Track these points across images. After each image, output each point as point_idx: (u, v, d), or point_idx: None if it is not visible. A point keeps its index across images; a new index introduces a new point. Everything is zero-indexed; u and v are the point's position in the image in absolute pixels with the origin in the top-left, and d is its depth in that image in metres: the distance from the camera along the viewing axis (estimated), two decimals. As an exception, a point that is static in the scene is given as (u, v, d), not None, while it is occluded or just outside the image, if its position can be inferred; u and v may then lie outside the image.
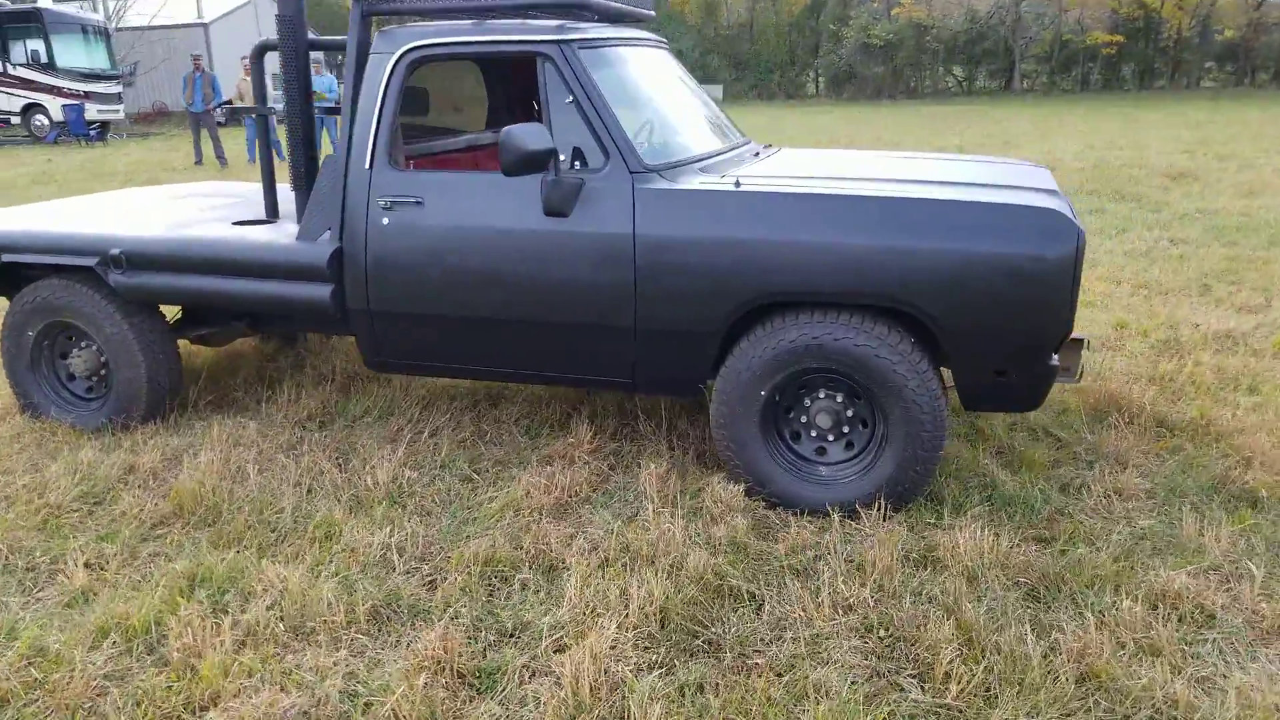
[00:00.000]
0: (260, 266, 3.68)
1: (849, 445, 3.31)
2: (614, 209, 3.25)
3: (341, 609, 2.66)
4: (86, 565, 2.97)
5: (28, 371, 4.15)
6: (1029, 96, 37.28)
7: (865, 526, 3.11)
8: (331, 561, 2.97)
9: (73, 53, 25.53)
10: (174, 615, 2.62)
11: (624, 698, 2.29)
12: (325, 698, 2.31)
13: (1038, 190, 3.20)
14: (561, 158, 3.35)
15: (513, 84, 4.63)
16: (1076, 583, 2.76)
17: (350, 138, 3.55)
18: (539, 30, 3.40)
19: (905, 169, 3.64)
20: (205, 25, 37.64)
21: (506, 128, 3.07)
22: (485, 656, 2.50)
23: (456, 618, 2.65)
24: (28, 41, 24.69)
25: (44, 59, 24.69)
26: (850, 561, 2.90)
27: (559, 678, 2.36)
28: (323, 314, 3.66)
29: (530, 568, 2.92)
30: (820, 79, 45.88)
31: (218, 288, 3.75)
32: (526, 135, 3.06)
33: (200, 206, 4.49)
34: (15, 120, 24.97)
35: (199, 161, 16.13)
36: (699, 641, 2.55)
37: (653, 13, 4.33)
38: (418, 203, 3.45)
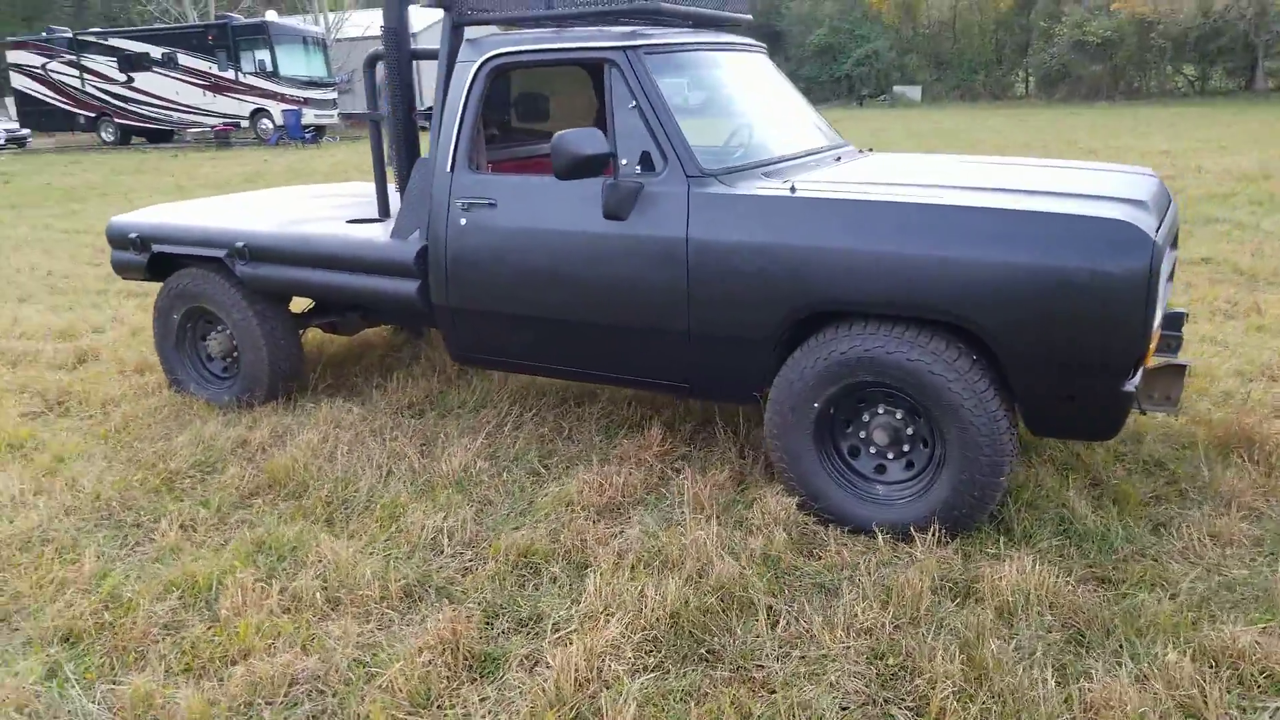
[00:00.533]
0: (358, 262, 3.99)
1: (909, 465, 3.20)
2: (669, 213, 3.29)
3: (377, 585, 2.87)
4: (181, 527, 3.34)
5: (174, 350, 4.68)
6: (1275, 96, 33.75)
7: (916, 550, 3.00)
8: (387, 540, 3.19)
9: (294, 62, 28.12)
10: (232, 577, 2.91)
11: (603, 696, 2.35)
12: (336, 665, 2.50)
13: (1119, 200, 2.97)
14: (623, 161, 3.43)
15: (595, 89, 4.75)
16: (1127, 630, 2.55)
17: (437, 142, 3.78)
18: (609, 36, 3.49)
19: (992, 176, 3.47)
20: (414, 35, 40.32)
21: (559, 132, 3.19)
22: (494, 643, 2.62)
23: (478, 603, 2.79)
24: (256, 52, 27.41)
25: (269, 68, 27.34)
26: (881, 585, 2.81)
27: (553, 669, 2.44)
28: (411, 308, 3.92)
29: (563, 562, 3.02)
30: (1030, 79, 43.48)
31: (322, 280, 4.10)
32: (578, 140, 3.16)
33: (328, 205, 4.90)
34: (244, 124, 27.79)
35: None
36: (702, 650, 2.56)
37: (747, 16, 4.34)
38: (491, 204, 3.63)
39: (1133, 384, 2.84)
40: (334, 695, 2.41)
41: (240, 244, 4.25)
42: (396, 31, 4.01)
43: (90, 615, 2.75)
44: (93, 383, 4.99)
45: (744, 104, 3.90)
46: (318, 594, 2.84)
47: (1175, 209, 3.41)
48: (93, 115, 29.29)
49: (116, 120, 29.02)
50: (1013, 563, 2.82)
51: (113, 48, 28.49)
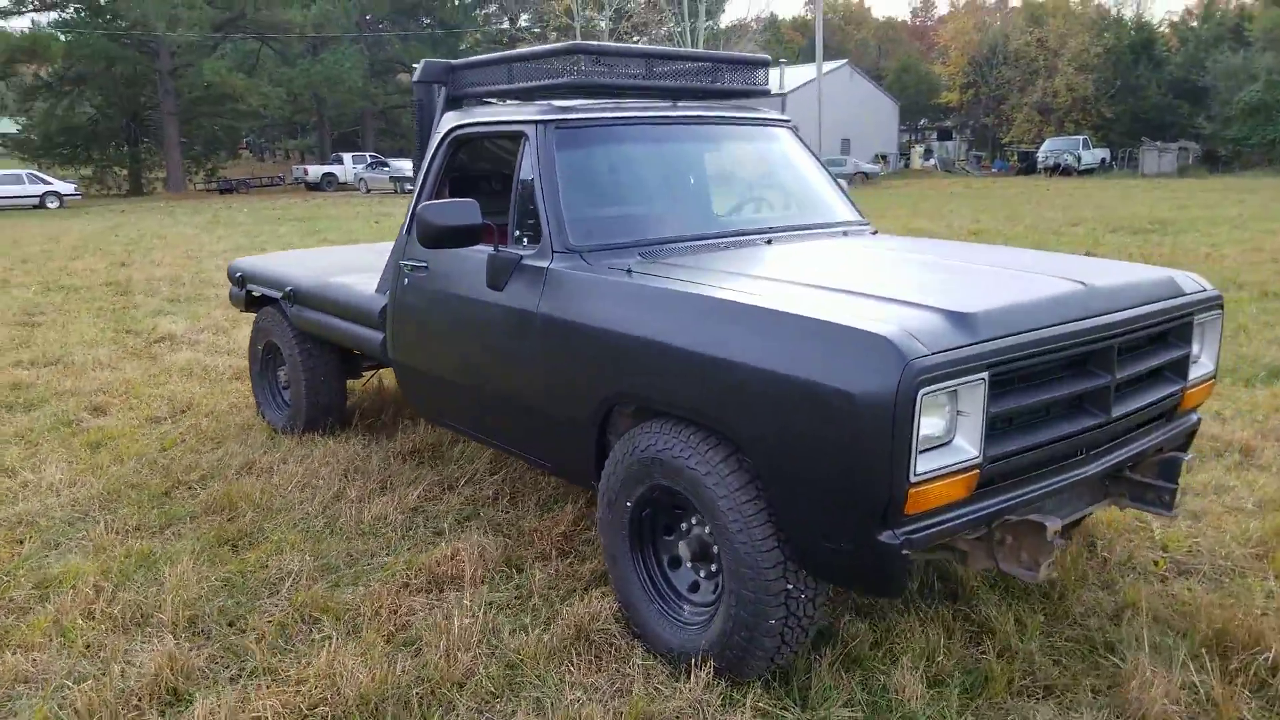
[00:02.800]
0: (352, 312, 4.42)
1: (716, 587, 2.89)
2: (530, 286, 3.30)
3: (176, 612, 3.20)
4: (117, 530, 3.93)
5: (259, 376, 5.46)
6: None
7: (681, 687, 2.70)
8: (242, 571, 3.52)
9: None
10: (80, 580, 3.40)
11: None
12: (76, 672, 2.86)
13: (930, 309, 2.48)
14: (516, 232, 3.49)
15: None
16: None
17: (411, 206, 4.10)
18: (531, 110, 3.58)
19: (891, 270, 3.05)
20: (783, 96, 41.73)
21: (424, 203, 3.35)
22: (197, 679, 2.82)
23: (227, 642, 3.01)
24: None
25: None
26: (571, 712, 2.58)
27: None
28: (380, 358, 4.27)
29: (334, 621, 3.13)
30: None
31: (331, 325, 4.59)
32: (441, 211, 3.29)
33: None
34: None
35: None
36: (350, 734, 2.55)
37: (766, 88, 4.17)
38: (424, 268, 3.86)
39: (895, 536, 2.35)
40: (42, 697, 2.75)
41: (289, 289, 4.90)
42: (421, 103, 4.38)
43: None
44: (220, 397, 5.96)
45: (681, 178, 3.77)
46: (136, 610, 3.23)
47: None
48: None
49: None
50: (730, 725, 2.45)
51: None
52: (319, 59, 41.56)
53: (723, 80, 4.05)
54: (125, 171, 44.01)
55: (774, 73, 43.29)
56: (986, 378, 2.37)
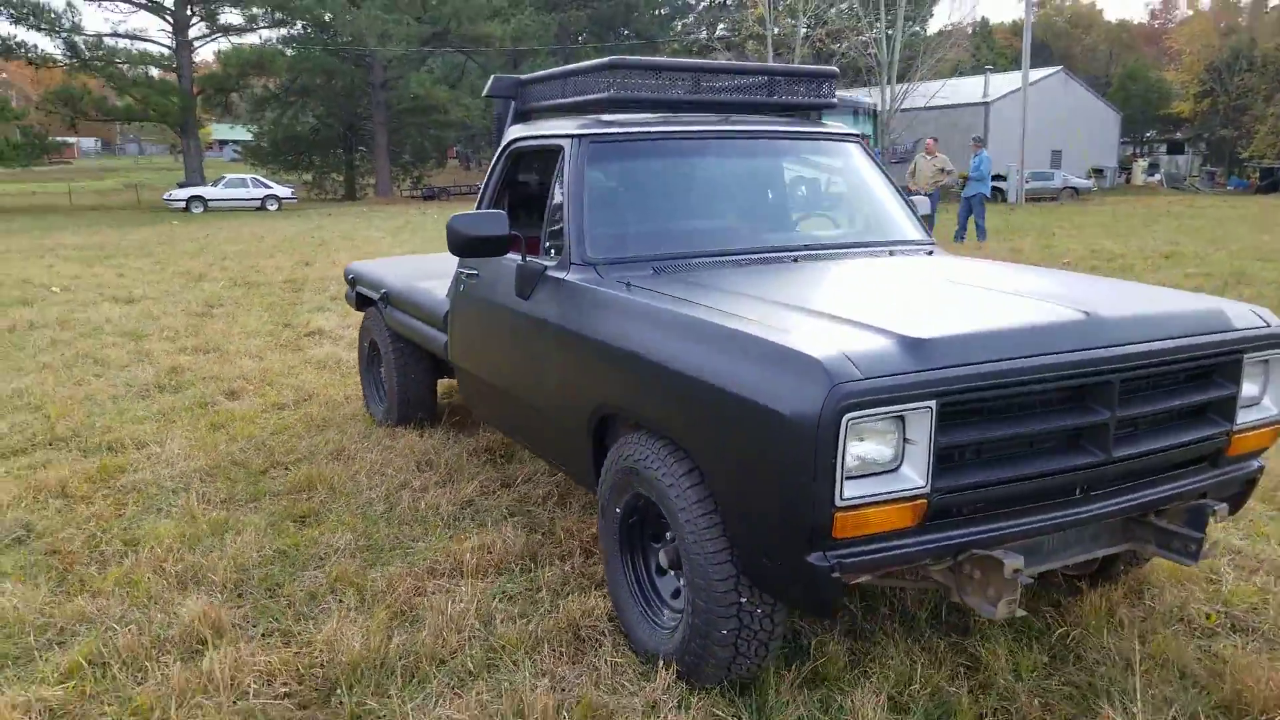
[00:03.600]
0: (426, 314, 4.80)
1: (693, 594, 3.00)
2: (550, 296, 3.51)
3: (224, 572, 3.63)
4: (206, 500, 4.45)
5: (365, 372, 5.97)
6: None
7: (649, 686, 2.83)
8: (291, 545, 3.93)
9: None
10: (156, 539, 3.90)
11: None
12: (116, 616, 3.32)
13: (876, 330, 2.50)
14: (546, 243, 3.72)
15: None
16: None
17: (479, 216, 4.41)
18: (570, 125, 3.80)
19: (887, 288, 3.07)
20: (986, 105, 40.11)
21: (454, 215, 3.63)
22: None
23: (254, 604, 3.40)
24: (807, 123, 29.91)
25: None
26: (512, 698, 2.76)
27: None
28: (445, 358, 4.62)
29: (353, 594, 3.46)
30: None
31: (412, 326, 4.99)
32: (470, 222, 3.56)
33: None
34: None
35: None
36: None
37: (831, 101, 4.21)
38: (476, 276, 4.16)
39: (825, 558, 2.39)
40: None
41: (384, 291, 5.35)
42: (500, 117, 4.70)
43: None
44: (340, 388, 6.54)
45: (715, 194, 3.87)
46: (195, 570, 3.68)
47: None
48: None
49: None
50: (663, 725, 2.56)
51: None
52: (518, 71, 43.69)
53: (781, 94, 4.13)
54: (341, 177, 47.86)
55: (976, 81, 41.70)
56: (934, 407, 2.36)
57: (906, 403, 2.34)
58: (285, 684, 2.87)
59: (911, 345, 2.43)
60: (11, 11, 35.37)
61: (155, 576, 3.58)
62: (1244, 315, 2.97)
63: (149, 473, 4.81)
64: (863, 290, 3.19)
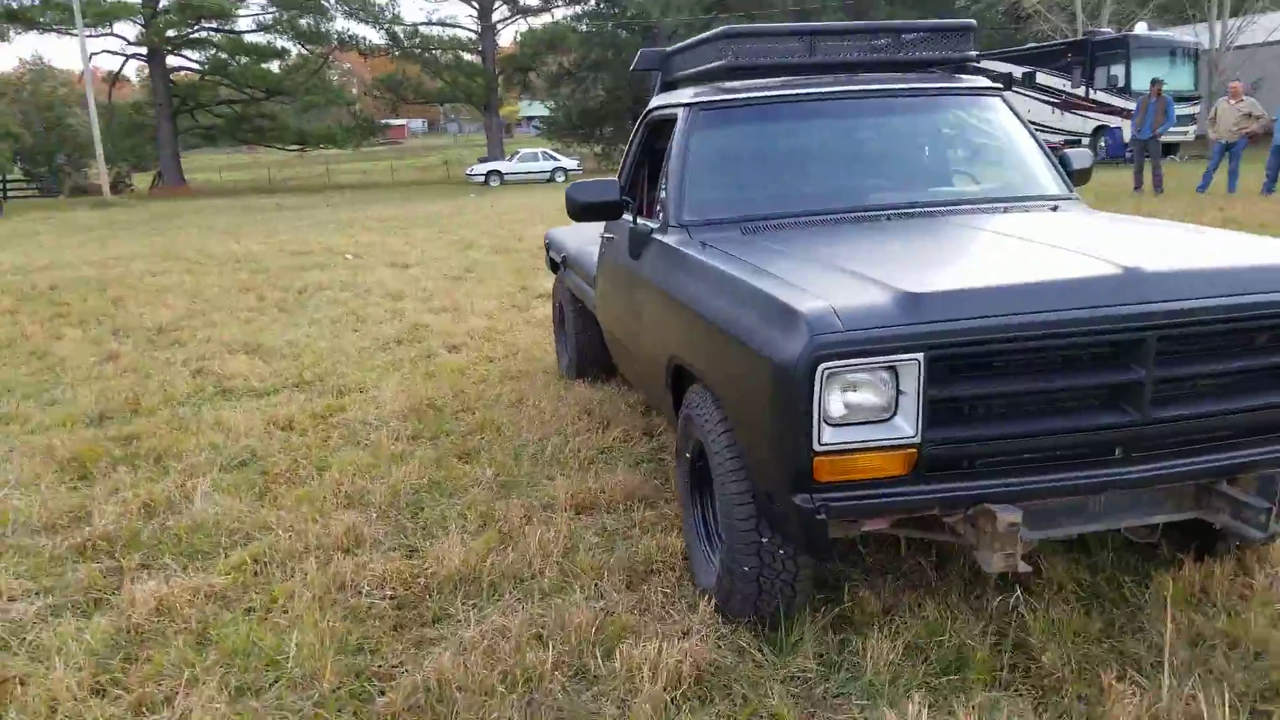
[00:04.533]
0: (585, 275, 5.23)
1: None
2: (652, 256, 3.81)
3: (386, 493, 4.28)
4: (396, 437, 5.18)
5: (558, 330, 6.54)
6: None
7: (704, 626, 3.10)
8: (442, 477, 4.53)
9: (1152, 75, 27.13)
10: (340, 465, 4.64)
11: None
12: (287, 529, 4.05)
13: (882, 285, 2.56)
14: (658, 207, 4.00)
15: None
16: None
17: (618, 180, 4.77)
18: (689, 94, 4.04)
19: (942, 244, 3.07)
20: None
21: (573, 183, 3.99)
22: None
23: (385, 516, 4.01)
24: (1111, 67, 27.38)
25: (1121, 83, 27.01)
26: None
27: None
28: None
29: (475, 518, 3.97)
30: None
31: (579, 286, 5.45)
32: (584, 189, 3.92)
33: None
34: (1084, 141, 28.11)
35: (1138, 188, 16.32)
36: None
37: (969, 55, 4.15)
38: (612, 238, 4.52)
39: (810, 500, 2.54)
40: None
41: (563, 255, 5.86)
42: (652, 89, 5.02)
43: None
44: (548, 345, 7.18)
45: (823, 155, 3.93)
46: (362, 492, 4.37)
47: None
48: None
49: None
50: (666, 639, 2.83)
51: (983, 70, 31.59)
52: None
53: (907, 51, 4.11)
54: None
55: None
56: (921, 360, 2.43)
57: (892, 354, 2.43)
58: (393, 588, 3.42)
59: (904, 299, 2.51)
60: (345, 7, 40.13)
61: (330, 496, 4.29)
62: None
63: (360, 411, 5.65)
64: (916, 247, 3.20)
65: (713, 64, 4.08)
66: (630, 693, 2.69)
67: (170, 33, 38.94)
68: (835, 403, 2.47)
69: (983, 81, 4.22)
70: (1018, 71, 30.05)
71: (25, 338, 8.28)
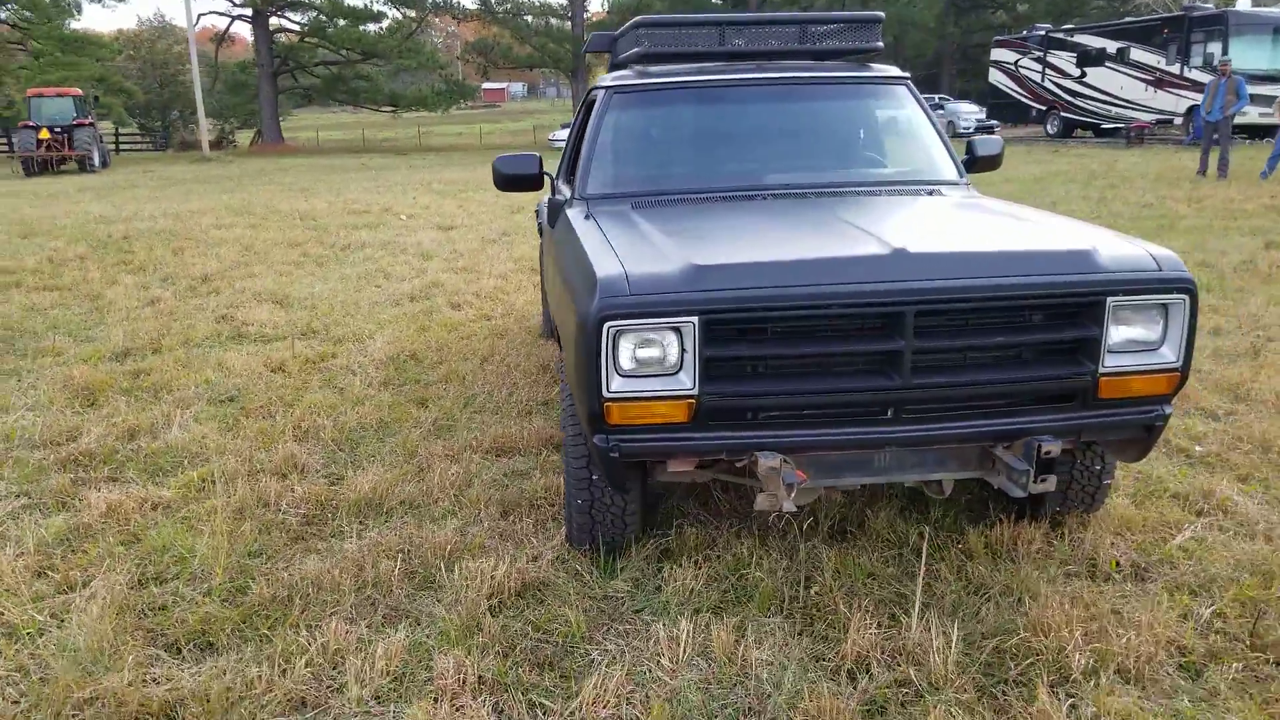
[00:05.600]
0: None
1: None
2: (560, 225, 4.18)
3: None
4: (364, 380, 5.71)
5: (542, 292, 6.98)
6: None
7: (552, 551, 3.55)
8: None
9: (1252, 54, 25.96)
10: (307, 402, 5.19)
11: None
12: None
13: (684, 256, 2.91)
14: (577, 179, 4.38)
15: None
16: (451, 630, 2.97)
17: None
18: (610, 78, 4.41)
19: (782, 223, 3.40)
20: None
21: (497, 156, 4.39)
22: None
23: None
24: (1209, 44, 26.29)
25: (1217, 61, 25.88)
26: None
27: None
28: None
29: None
30: None
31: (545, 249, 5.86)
32: (508, 162, 4.32)
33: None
34: (1178, 121, 27.13)
35: (1202, 172, 15.86)
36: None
37: (875, 46, 4.41)
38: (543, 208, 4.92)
39: (606, 441, 2.91)
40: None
41: (540, 221, 6.28)
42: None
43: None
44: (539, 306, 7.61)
45: (720, 138, 4.24)
46: (319, 428, 4.90)
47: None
48: (1043, 108, 32.25)
49: (1062, 114, 31.38)
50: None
51: (1075, 44, 30.71)
52: (891, 2, 42.40)
53: (813, 41, 4.39)
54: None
55: None
56: (696, 323, 2.78)
57: (672, 317, 2.79)
58: (306, 508, 3.93)
59: (688, 270, 2.85)
60: (441, -30, 41.02)
61: (287, 430, 4.84)
62: (1126, 259, 2.94)
63: (347, 359, 6.20)
64: (763, 225, 3.51)
65: (632, 51, 4.42)
66: (457, 600, 3.13)
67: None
68: (625, 356, 2.84)
69: (893, 71, 4.46)
70: (1112, 47, 29.16)
71: (86, 282, 9.11)
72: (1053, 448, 2.92)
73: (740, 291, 2.80)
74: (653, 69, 4.43)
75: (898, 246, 2.89)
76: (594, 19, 46.00)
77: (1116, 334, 2.92)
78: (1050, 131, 31.91)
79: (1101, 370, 2.92)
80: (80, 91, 30.76)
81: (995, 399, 2.97)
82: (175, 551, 3.52)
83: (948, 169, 4.23)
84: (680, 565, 3.29)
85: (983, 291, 2.83)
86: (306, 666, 2.77)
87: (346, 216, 14.24)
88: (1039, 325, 2.94)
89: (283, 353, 6.32)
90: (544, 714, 2.58)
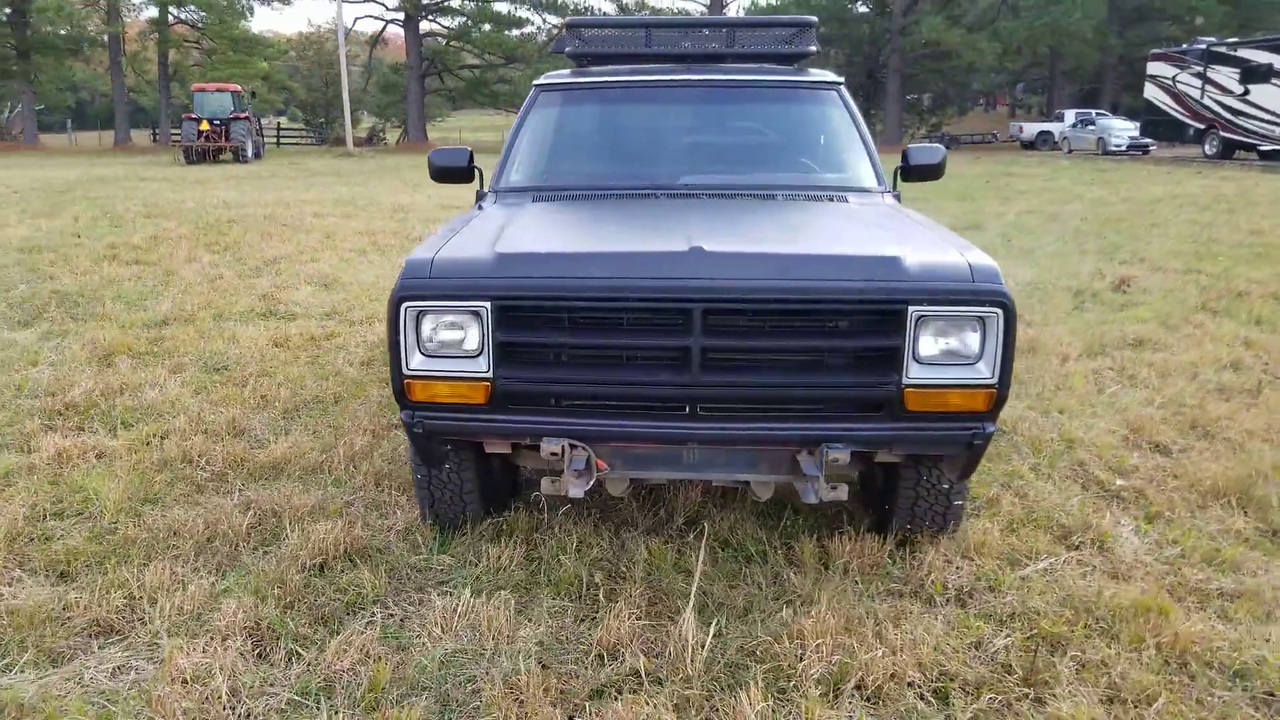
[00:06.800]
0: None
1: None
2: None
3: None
4: (352, 361, 6.05)
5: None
6: None
7: (402, 525, 3.77)
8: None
9: None
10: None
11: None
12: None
13: (507, 244, 3.05)
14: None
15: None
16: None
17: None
18: (543, 77, 4.57)
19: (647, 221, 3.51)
20: None
21: (433, 150, 4.61)
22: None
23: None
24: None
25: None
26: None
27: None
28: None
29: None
30: None
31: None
32: (441, 155, 4.53)
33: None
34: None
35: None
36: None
37: (806, 50, 4.42)
38: (502, 200, 5.12)
39: (411, 416, 3.06)
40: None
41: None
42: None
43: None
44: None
45: (639, 138, 4.33)
46: (271, 393, 5.26)
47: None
48: (1202, 128, 30.29)
49: (1221, 134, 29.40)
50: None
51: (1239, 58, 28.75)
52: (1047, 10, 40.74)
53: (741, 45, 4.43)
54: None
55: None
56: (488, 308, 2.91)
57: (466, 301, 2.93)
58: (222, 466, 4.25)
59: (491, 258, 3.00)
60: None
61: (249, 397, 5.21)
62: (937, 268, 2.88)
63: (347, 339, 6.58)
64: (611, 220, 3.59)
65: (567, 50, 4.58)
66: (282, 557, 3.36)
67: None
68: (426, 337, 3.00)
69: (825, 76, 4.45)
70: (1279, 62, 27.22)
71: (170, 259, 9.90)
72: (840, 455, 2.91)
73: (533, 280, 2.91)
74: (593, 69, 4.57)
75: (696, 245, 2.93)
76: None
77: (927, 345, 2.87)
78: (1208, 152, 29.94)
79: (907, 382, 2.87)
80: (239, 88, 33.12)
81: (796, 403, 2.96)
82: (86, 493, 3.90)
83: (866, 177, 4.19)
84: (501, 545, 3.42)
85: (772, 293, 2.84)
86: (124, 599, 3.06)
87: (439, 210, 14.86)
88: (838, 331, 2.92)
89: (294, 330, 6.76)
90: (294, 659, 2.78)
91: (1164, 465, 4.31)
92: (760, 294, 2.84)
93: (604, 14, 43.66)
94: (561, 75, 4.50)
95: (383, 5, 43.62)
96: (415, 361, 2.99)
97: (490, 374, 2.96)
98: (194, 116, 30.86)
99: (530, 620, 2.98)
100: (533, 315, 2.95)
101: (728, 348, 2.90)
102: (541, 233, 3.35)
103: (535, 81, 4.51)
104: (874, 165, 4.24)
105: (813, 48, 4.46)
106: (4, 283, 8.48)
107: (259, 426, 4.79)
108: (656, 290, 2.86)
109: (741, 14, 46.65)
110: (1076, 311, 7.48)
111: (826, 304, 2.86)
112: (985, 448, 2.99)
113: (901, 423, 2.94)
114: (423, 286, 2.94)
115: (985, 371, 2.88)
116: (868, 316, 2.88)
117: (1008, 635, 2.92)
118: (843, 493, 3.06)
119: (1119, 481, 4.12)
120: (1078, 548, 3.53)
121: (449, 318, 2.97)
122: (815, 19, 4.47)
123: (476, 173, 4.55)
